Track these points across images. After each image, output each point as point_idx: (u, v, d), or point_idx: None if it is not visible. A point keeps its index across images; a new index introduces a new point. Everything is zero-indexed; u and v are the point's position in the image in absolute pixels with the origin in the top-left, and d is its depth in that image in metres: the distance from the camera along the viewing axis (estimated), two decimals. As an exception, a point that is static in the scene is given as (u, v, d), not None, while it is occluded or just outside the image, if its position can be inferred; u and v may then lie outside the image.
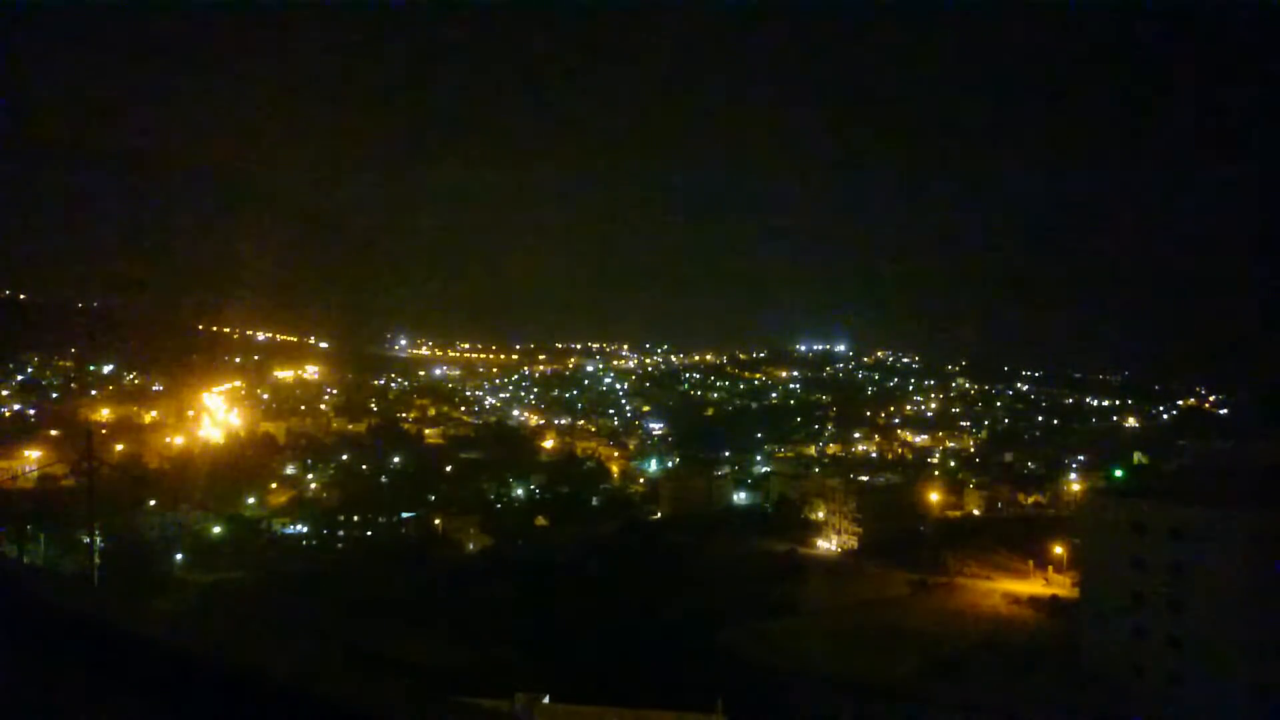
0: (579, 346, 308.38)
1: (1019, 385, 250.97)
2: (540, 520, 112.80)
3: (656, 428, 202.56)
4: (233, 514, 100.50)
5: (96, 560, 45.80)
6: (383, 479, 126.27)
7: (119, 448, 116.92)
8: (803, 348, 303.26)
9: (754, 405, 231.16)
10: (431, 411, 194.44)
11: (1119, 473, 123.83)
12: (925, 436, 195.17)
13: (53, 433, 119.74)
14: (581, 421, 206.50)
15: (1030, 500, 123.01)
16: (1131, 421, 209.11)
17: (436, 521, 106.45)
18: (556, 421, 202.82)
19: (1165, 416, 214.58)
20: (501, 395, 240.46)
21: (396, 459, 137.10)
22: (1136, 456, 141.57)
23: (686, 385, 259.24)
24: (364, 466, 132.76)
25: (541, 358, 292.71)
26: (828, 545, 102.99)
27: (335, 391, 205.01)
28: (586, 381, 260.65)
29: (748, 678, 51.07)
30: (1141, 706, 51.58)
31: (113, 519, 73.82)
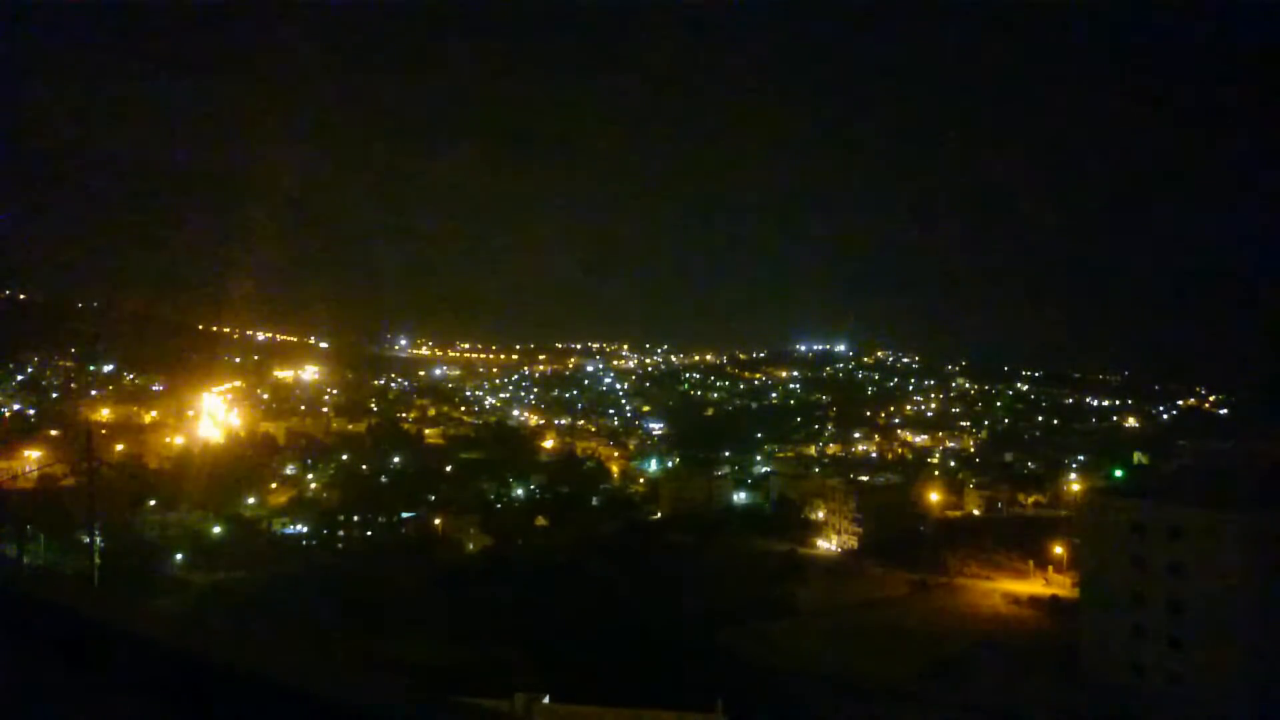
0: (579, 346, 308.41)
1: (1019, 385, 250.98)
2: (540, 520, 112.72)
3: (656, 428, 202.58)
4: (233, 514, 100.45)
5: (96, 560, 45.76)
6: (383, 479, 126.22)
7: (119, 448, 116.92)
8: (803, 348, 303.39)
9: (754, 405, 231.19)
10: (431, 411, 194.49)
11: (1119, 473, 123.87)
12: (925, 436, 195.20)
13: (53, 433, 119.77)
14: (581, 421, 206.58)
15: (1030, 500, 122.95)
16: (1131, 421, 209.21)
17: (436, 521, 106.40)
18: (556, 421, 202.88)
19: (1165, 416, 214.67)
20: (501, 395, 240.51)
21: (396, 459, 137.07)
22: (1136, 456, 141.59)
23: (686, 385, 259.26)
24: (364, 466, 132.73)
25: (541, 358, 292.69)
26: (828, 545, 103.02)
27: (335, 391, 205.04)
28: (586, 381, 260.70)
29: (748, 678, 51.09)
30: (1141, 706, 51.59)
31: (113, 519, 73.77)
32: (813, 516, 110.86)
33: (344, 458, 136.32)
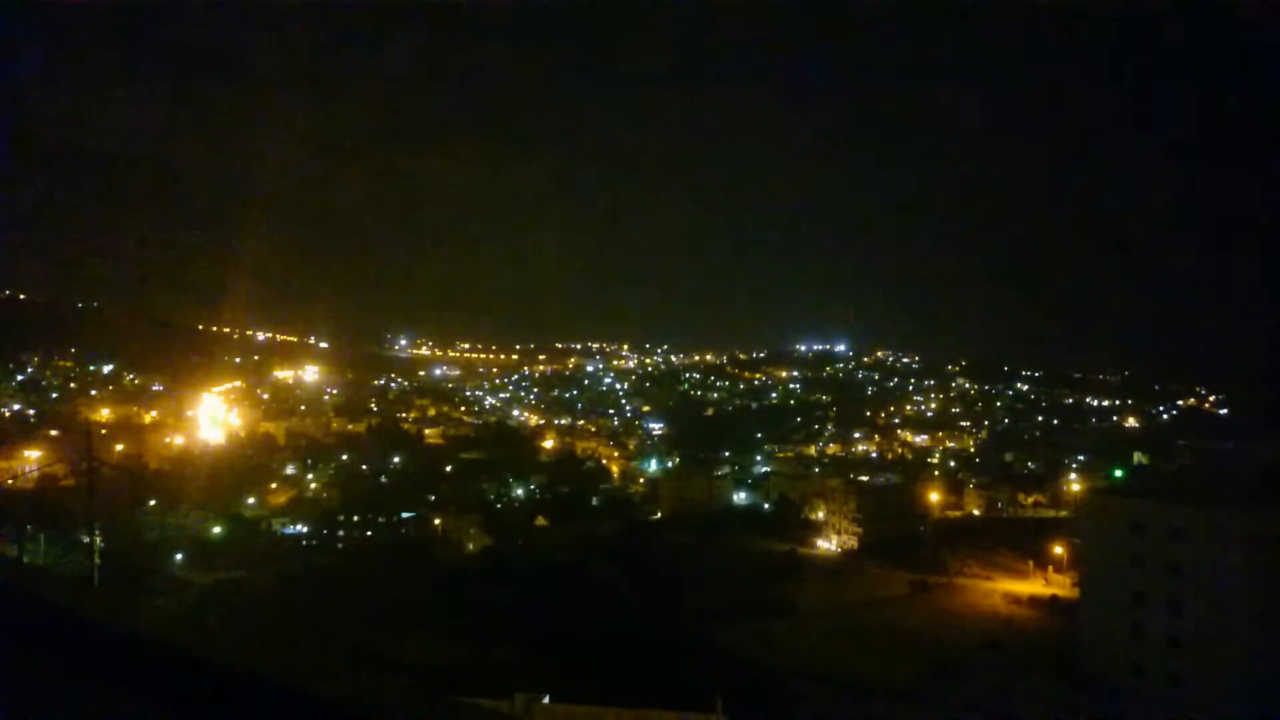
0: (579, 346, 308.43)
1: (1019, 385, 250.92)
2: (540, 520, 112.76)
3: (656, 428, 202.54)
4: (233, 514, 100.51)
5: (96, 560, 45.77)
6: (383, 479, 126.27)
7: (119, 448, 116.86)
8: (803, 348, 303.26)
9: (754, 405, 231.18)
10: (431, 411, 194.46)
11: (1119, 473, 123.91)
12: (925, 436, 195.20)
13: (53, 433, 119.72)
14: (581, 421, 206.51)
15: (1030, 500, 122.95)
16: (1131, 421, 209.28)
17: (436, 521, 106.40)
18: (556, 421, 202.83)
19: (1165, 416, 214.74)
20: (501, 395, 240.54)
21: (396, 459, 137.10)
22: (1136, 456, 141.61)
23: (686, 385, 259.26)
24: (364, 466, 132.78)
25: (541, 358, 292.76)
26: (828, 545, 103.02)
27: (335, 391, 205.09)
28: (586, 381, 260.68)
29: (748, 678, 51.04)
30: (1141, 706, 51.61)
31: (113, 519, 73.78)
32: (813, 516, 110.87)
33: (344, 458, 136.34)
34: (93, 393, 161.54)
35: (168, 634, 3.93)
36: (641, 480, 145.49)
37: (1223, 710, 49.25)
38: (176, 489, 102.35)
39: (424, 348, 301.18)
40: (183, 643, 3.74)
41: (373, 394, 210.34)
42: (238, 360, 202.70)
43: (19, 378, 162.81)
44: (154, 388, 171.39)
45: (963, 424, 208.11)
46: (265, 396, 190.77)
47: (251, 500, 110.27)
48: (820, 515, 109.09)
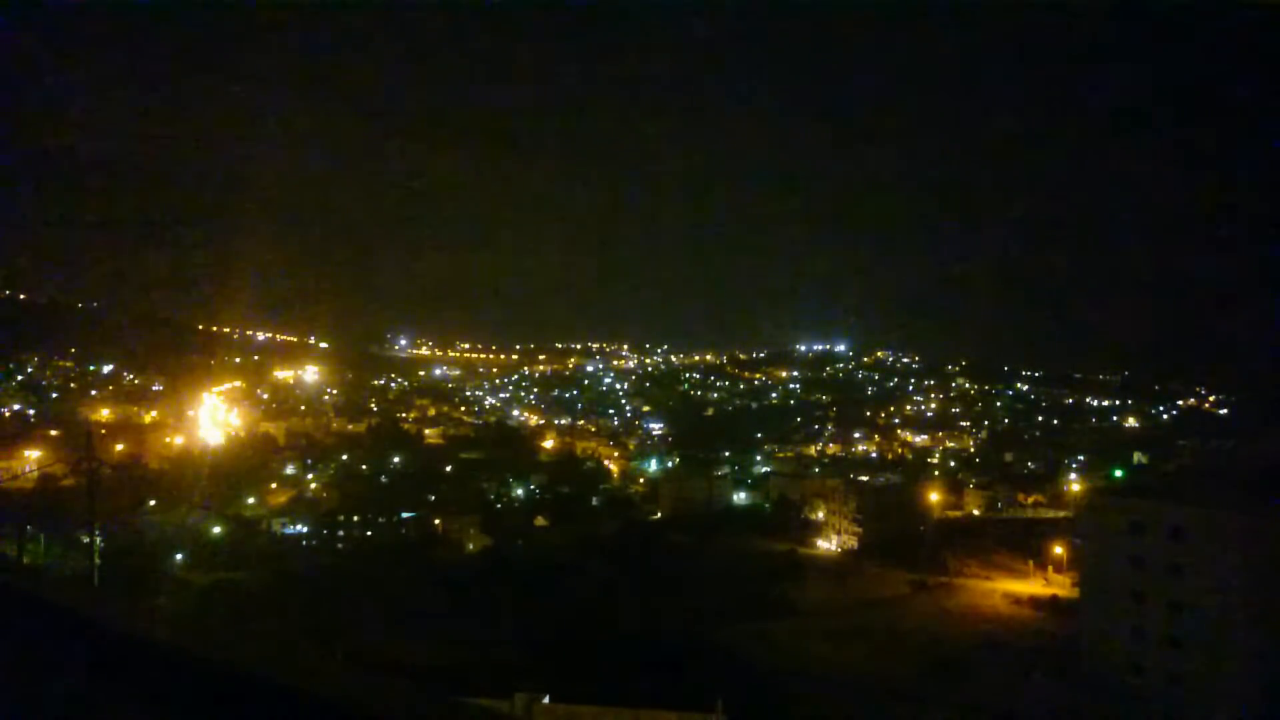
0: (579, 346, 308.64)
1: (1019, 385, 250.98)
2: (540, 520, 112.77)
3: (656, 428, 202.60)
4: (233, 514, 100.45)
5: (96, 560, 45.74)
6: (383, 479, 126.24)
7: (119, 448, 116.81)
8: (803, 348, 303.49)
9: (754, 405, 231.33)
10: (431, 411, 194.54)
11: (1119, 473, 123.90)
12: (925, 436, 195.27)
13: (53, 433, 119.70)
14: (581, 421, 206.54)
15: (1030, 500, 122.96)
16: (1131, 421, 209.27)
17: (436, 521, 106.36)
18: (556, 421, 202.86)
19: (1165, 416, 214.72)
20: (501, 395, 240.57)
21: (396, 459, 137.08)
22: (1136, 456, 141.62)
23: (686, 385, 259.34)
24: (364, 466, 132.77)
25: (541, 358, 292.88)
26: (828, 545, 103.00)
27: (335, 391, 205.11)
28: (586, 381, 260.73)
29: (748, 678, 51.01)
30: (1141, 706, 51.59)
31: (113, 519, 73.73)
32: (812, 516, 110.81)
33: (344, 458, 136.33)
34: (93, 393, 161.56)
35: (168, 634, 3.93)
36: (641, 480, 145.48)
37: (1223, 710, 49.24)
38: (176, 489, 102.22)
39: (424, 348, 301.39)
40: (183, 643, 3.74)
41: (373, 394, 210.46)
42: (238, 360, 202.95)
43: (19, 378, 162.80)
44: (154, 388, 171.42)
45: (963, 424, 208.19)
46: (265, 396, 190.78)
47: (251, 500, 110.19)
48: (820, 515, 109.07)
